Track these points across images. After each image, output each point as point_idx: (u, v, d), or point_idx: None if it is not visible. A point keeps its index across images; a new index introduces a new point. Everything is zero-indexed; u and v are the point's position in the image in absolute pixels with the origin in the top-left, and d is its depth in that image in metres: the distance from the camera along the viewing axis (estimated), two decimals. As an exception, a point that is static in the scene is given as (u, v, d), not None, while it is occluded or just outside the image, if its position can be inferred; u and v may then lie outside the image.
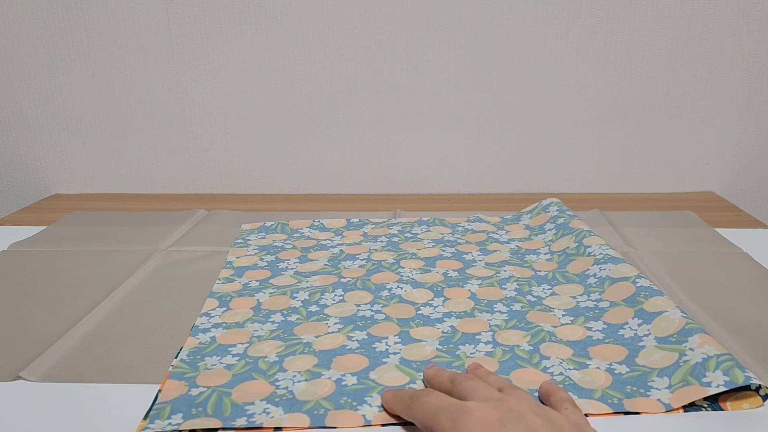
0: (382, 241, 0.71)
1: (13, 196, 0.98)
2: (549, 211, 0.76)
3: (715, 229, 0.75)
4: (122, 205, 0.90)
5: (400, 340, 0.49)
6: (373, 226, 0.77)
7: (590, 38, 0.87)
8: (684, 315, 0.48)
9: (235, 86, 0.91)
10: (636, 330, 0.49)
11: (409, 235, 0.73)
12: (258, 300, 0.57)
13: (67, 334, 0.51)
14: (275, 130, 0.93)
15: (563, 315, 0.53)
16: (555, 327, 0.51)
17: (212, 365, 0.46)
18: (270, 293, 0.58)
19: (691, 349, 0.44)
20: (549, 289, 0.58)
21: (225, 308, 0.56)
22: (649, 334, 0.48)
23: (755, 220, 0.80)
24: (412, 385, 0.43)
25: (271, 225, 0.77)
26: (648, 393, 0.42)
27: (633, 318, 0.50)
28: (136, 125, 0.93)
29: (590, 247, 0.64)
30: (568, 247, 0.66)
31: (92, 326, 0.53)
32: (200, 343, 0.49)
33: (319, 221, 0.78)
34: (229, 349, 0.48)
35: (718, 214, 0.81)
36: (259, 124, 0.93)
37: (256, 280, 0.61)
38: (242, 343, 0.49)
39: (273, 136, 0.94)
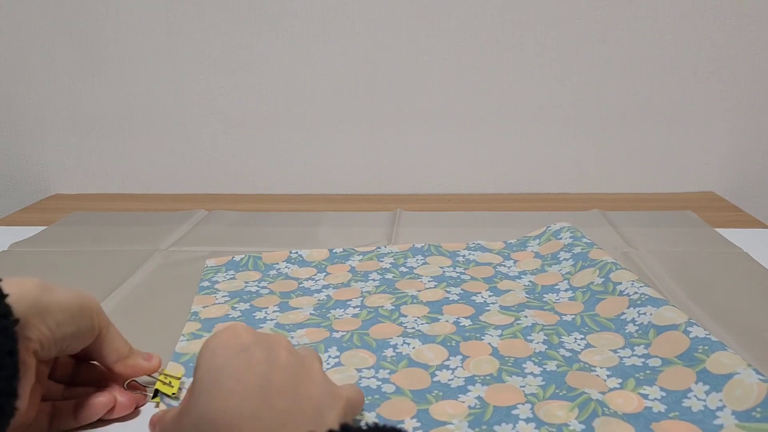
0: (374, 279, 0.62)
1: (13, 196, 0.98)
2: (561, 238, 0.67)
3: (715, 229, 0.75)
4: (122, 205, 0.90)
5: (419, 424, 0.39)
6: (361, 257, 0.67)
7: (590, 38, 0.87)
8: (762, 377, 0.39)
9: (236, 86, 0.91)
10: (705, 400, 0.40)
11: (404, 269, 0.64)
12: None
13: (67, 334, 0.51)
14: (275, 130, 0.93)
15: (609, 376, 0.44)
16: (603, 393, 0.42)
17: None
18: None
19: None
20: (582, 339, 0.50)
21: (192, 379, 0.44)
22: (724, 406, 0.39)
23: (755, 220, 0.80)
24: None
25: (241, 259, 0.66)
26: None
27: (696, 383, 0.42)
28: (136, 125, 0.94)
29: (620, 284, 0.55)
30: (592, 283, 0.57)
31: (92, 326, 0.53)
32: None
33: (297, 253, 0.67)
34: None
35: (718, 214, 0.81)
36: (259, 124, 0.93)
37: None
38: None
39: (273, 137, 0.94)
